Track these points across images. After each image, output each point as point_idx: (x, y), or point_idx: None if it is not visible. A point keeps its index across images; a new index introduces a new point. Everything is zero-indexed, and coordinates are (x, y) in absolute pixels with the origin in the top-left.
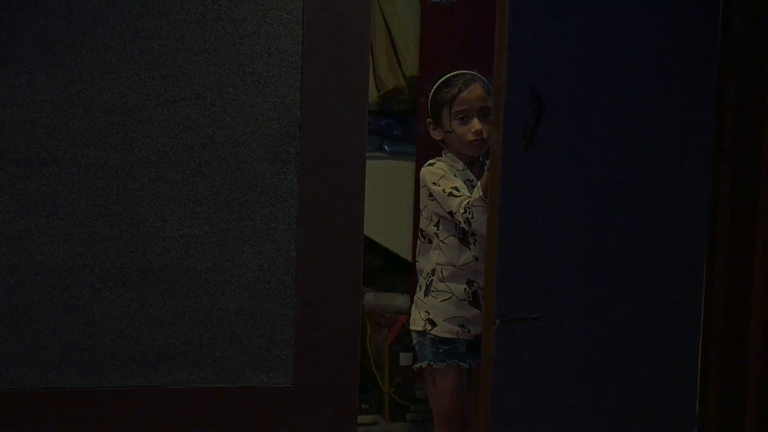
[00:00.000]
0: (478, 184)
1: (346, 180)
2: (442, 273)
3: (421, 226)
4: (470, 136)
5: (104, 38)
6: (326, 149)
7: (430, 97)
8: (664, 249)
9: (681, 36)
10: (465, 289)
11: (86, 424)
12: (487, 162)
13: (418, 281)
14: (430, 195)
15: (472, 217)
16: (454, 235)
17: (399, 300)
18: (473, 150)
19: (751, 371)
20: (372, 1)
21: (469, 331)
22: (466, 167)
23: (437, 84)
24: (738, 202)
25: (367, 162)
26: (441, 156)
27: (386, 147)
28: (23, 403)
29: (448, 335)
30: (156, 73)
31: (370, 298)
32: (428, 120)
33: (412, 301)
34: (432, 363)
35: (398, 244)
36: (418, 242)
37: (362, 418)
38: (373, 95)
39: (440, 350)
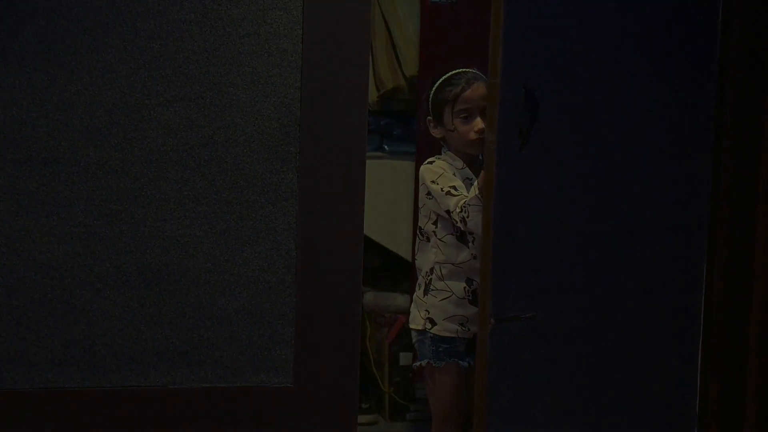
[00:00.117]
0: (475, 183)
1: (346, 180)
2: (441, 271)
3: (419, 224)
4: (473, 135)
5: (104, 38)
6: (326, 149)
7: (431, 95)
8: (663, 249)
9: (680, 35)
10: (464, 287)
11: (86, 423)
12: None
13: (417, 279)
14: (429, 193)
15: (467, 216)
16: (451, 234)
17: (399, 299)
18: (475, 149)
19: (751, 371)
20: (372, 1)
21: (469, 329)
22: (465, 165)
23: (438, 82)
24: (738, 202)
25: (367, 162)
26: (440, 154)
27: (386, 147)
28: (23, 403)
29: (447, 334)
30: (156, 72)
31: (370, 297)
32: (428, 118)
33: (411, 300)
34: (431, 361)
35: (398, 243)
36: (417, 240)
37: (362, 418)
38: (373, 95)
39: (440, 349)
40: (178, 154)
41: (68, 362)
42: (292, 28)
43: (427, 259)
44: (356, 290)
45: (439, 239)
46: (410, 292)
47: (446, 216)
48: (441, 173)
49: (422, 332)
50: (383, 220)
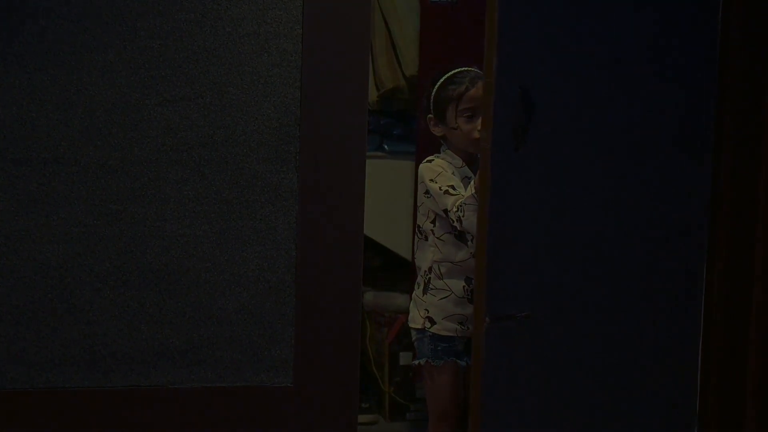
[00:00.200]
0: (471, 182)
1: (346, 179)
2: (439, 270)
3: (418, 222)
4: (477, 134)
5: (104, 38)
6: (326, 149)
7: (433, 93)
8: (663, 249)
9: (680, 35)
10: (464, 286)
11: (86, 423)
12: None
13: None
14: (427, 192)
15: (463, 216)
16: (450, 232)
17: (399, 299)
18: (478, 148)
19: (751, 371)
20: (372, 1)
21: (468, 328)
22: (464, 164)
23: (441, 80)
24: (738, 202)
25: (367, 161)
26: (440, 153)
27: (386, 146)
28: (22, 403)
29: (446, 333)
30: (156, 72)
31: (370, 297)
32: (429, 116)
33: (411, 299)
34: (430, 360)
35: (398, 243)
36: (416, 238)
37: (362, 418)
38: (372, 95)
39: (438, 348)
40: (178, 154)
41: (68, 362)
42: (292, 28)
43: (425, 257)
44: (356, 290)
45: (437, 238)
46: (410, 291)
47: (444, 215)
48: (440, 172)
49: (421, 331)
50: (383, 220)
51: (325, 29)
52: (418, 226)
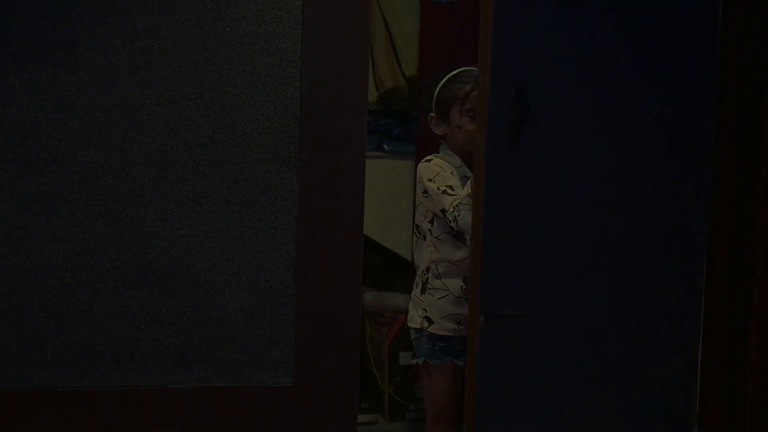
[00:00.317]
0: (468, 182)
1: (346, 179)
2: (437, 269)
3: (416, 221)
4: None
5: (104, 38)
6: (326, 149)
7: (436, 92)
8: (663, 249)
9: (680, 35)
10: (461, 286)
11: (86, 423)
12: None
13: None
14: (425, 191)
15: (458, 216)
16: (447, 232)
17: (398, 299)
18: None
19: (751, 371)
20: (372, 1)
21: (466, 328)
22: (463, 164)
23: (444, 79)
24: (738, 202)
25: (367, 161)
26: (438, 152)
27: (386, 146)
28: (22, 403)
29: (444, 333)
30: (156, 72)
31: (370, 297)
32: (431, 115)
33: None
34: (428, 359)
35: (398, 243)
36: (414, 237)
37: (362, 418)
38: (372, 94)
39: (436, 347)
40: (178, 154)
41: (68, 362)
42: (292, 28)
43: (423, 257)
44: (356, 290)
45: (435, 237)
46: (410, 291)
47: (442, 215)
48: (438, 171)
49: (419, 330)
50: (383, 220)
51: (325, 29)
52: (417, 226)
